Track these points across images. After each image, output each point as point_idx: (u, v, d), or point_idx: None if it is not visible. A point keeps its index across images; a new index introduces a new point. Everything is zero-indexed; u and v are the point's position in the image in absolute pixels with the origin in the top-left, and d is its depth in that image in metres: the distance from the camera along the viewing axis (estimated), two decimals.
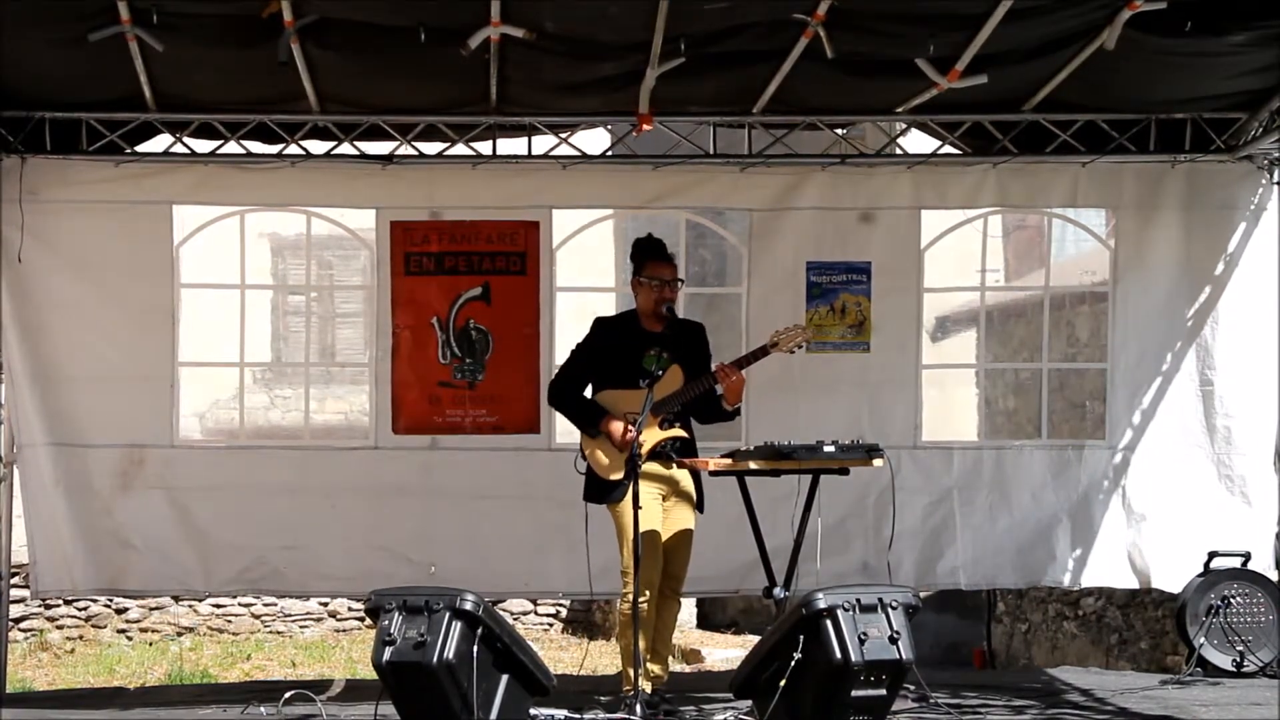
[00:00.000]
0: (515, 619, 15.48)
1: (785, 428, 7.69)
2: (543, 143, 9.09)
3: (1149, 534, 9.12)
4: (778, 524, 7.34)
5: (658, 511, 7.18)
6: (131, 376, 8.94)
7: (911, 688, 7.06)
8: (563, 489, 7.65)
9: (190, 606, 15.42)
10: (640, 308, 7.40)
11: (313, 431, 10.74)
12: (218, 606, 15.51)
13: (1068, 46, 7.82)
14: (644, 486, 6.95)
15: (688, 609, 15.10)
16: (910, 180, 9.20)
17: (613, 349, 7.37)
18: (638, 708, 6.84)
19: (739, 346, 8.40)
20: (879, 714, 6.20)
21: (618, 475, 7.13)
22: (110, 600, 15.11)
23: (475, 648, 6.35)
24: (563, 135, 9.04)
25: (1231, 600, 8.45)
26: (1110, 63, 7.77)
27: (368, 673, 7.48)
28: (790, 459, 6.97)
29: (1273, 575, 8.67)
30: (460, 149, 9.00)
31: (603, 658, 12.97)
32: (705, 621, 15.70)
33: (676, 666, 11.96)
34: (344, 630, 15.85)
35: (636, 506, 6.75)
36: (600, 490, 7.25)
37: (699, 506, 7.37)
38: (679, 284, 7.50)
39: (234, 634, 15.59)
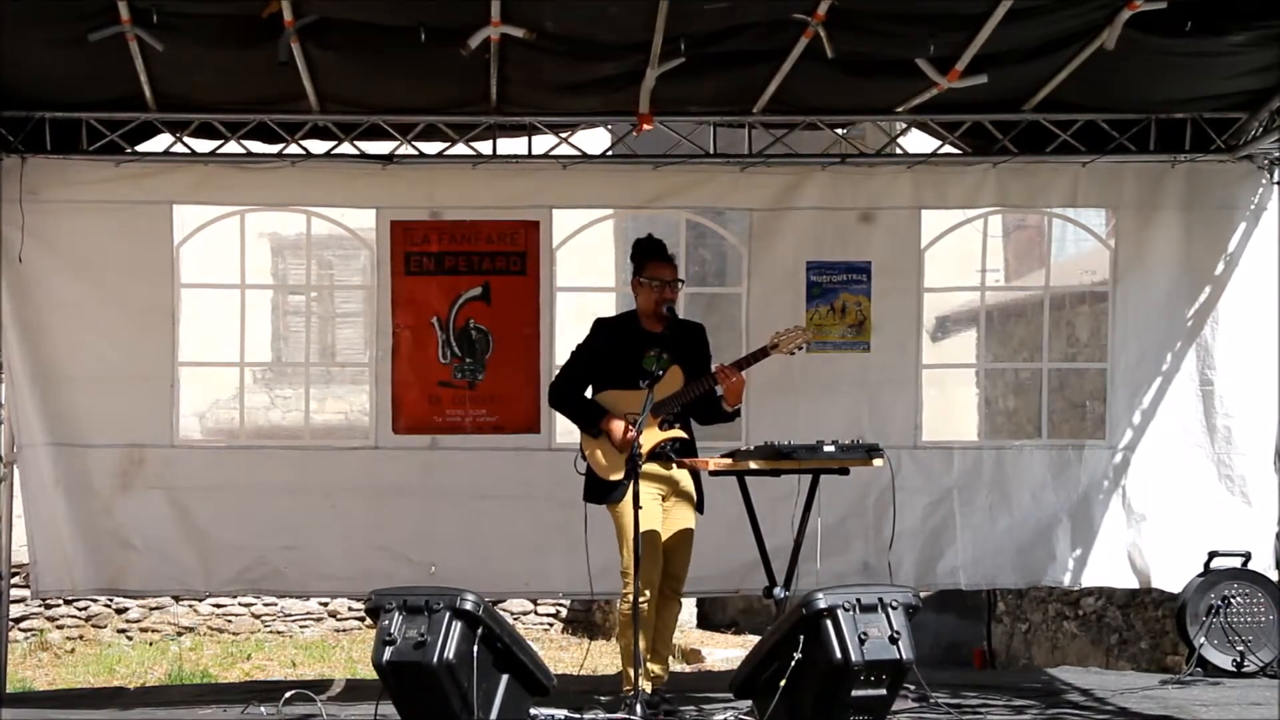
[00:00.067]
0: (515, 619, 15.48)
1: (785, 428, 7.69)
2: (543, 143, 9.09)
3: (1149, 534, 9.12)
4: (778, 524, 7.34)
5: (658, 512, 7.18)
6: (131, 376, 8.94)
7: (911, 688, 7.06)
8: (563, 489, 7.65)
9: (190, 606, 15.43)
10: (640, 308, 7.40)
11: (313, 431, 10.74)
12: (218, 606, 15.52)
13: (1068, 46, 7.82)
14: (644, 487, 6.95)
15: (688, 609, 15.10)
16: (910, 180, 9.20)
17: (613, 350, 7.36)
18: (638, 708, 6.84)
19: (739, 347, 8.40)
20: (879, 714, 6.20)
21: (618, 475, 7.13)
22: (110, 600, 15.12)
23: (475, 648, 6.35)
24: (563, 135, 9.04)
25: (1232, 600, 8.45)
26: (1110, 63, 7.77)
27: (368, 673, 7.48)
28: (790, 459, 6.97)
29: (1273, 575, 8.67)
30: (460, 149, 9.00)
31: (603, 658, 12.97)
32: (705, 621, 15.71)
33: (676, 666, 11.96)
34: (344, 630, 15.85)
35: (637, 506, 6.75)
36: (600, 490, 7.25)
37: (699, 507, 7.37)
38: (679, 284, 7.50)
39: (234, 634, 15.59)
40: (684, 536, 7.32)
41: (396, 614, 6.37)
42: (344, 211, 9.42)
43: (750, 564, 7.55)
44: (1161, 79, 8.35)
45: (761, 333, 7.49)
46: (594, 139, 9.53)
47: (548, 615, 16.18)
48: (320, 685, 8.50)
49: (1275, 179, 9.01)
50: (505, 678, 6.53)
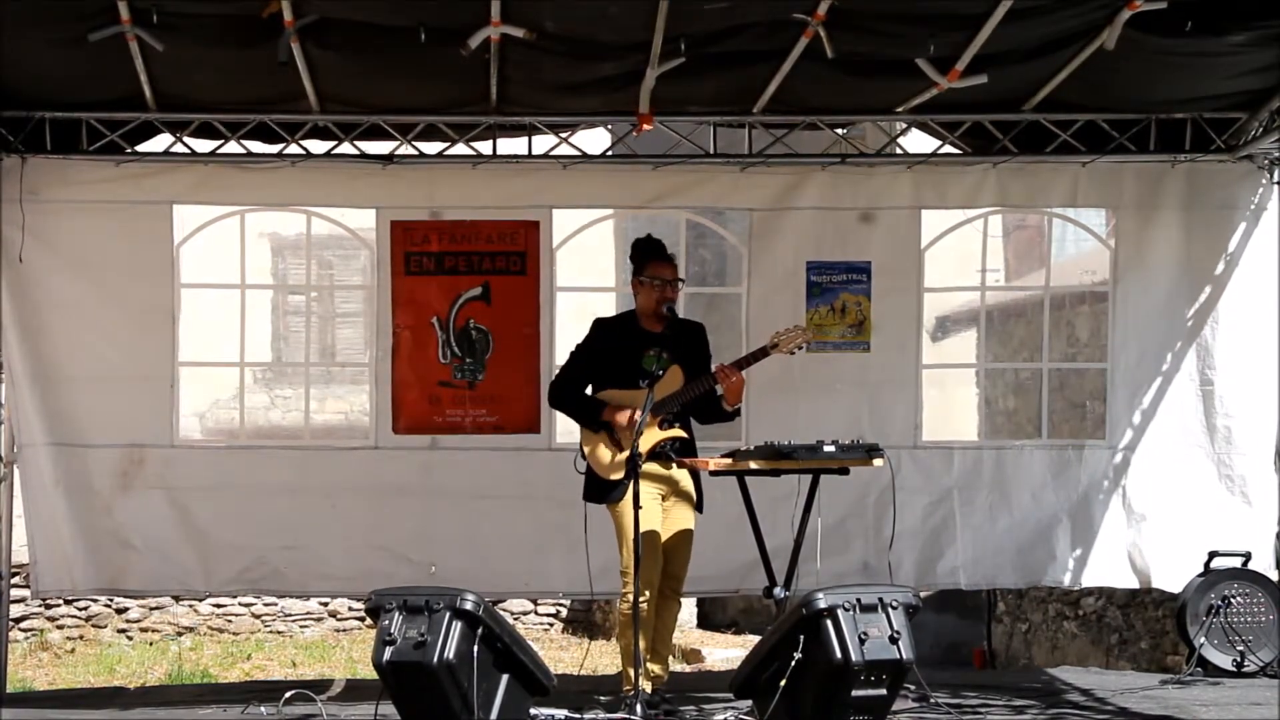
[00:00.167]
0: (515, 619, 15.48)
1: (785, 428, 7.69)
2: (543, 142, 9.09)
3: (1149, 534, 9.12)
4: (778, 524, 7.34)
5: (657, 511, 7.18)
6: (131, 376, 8.94)
7: (912, 688, 7.06)
8: (563, 489, 7.64)
9: (190, 606, 15.43)
10: (640, 308, 7.40)
11: (313, 431, 10.74)
12: (218, 606, 15.52)
13: (1068, 46, 7.82)
14: (644, 486, 6.95)
15: (688, 609, 15.10)
16: (910, 180, 9.20)
17: (612, 349, 7.36)
18: (638, 708, 6.84)
19: (739, 346, 8.40)
20: (879, 714, 6.20)
21: (618, 475, 7.13)
22: (110, 600, 15.12)
23: (475, 647, 6.35)
24: (563, 135, 9.04)
25: (1232, 600, 8.45)
26: (1110, 63, 7.77)
27: (368, 672, 7.48)
28: (790, 459, 6.97)
29: (1273, 575, 8.67)
30: (460, 149, 9.00)
31: (603, 658, 12.97)
32: (705, 621, 15.71)
33: (677, 666, 11.97)
34: (344, 630, 15.85)
35: (637, 507, 6.75)
36: (600, 490, 7.25)
37: (698, 506, 7.37)
38: (680, 284, 7.50)
39: (234, 634, 15.59)
40: (683, 537, 7.32)
41: (397, 614, 6.37)
42: (344, 211, 9.42)
43: (750, 564, 7.55)
44: (1161, 79, 8.35)
45: (761, 333, 7.50)
46: (594, 139, 9.53)
47: (548, 615, 16.18)
48: (320, 685, 8.49)
49: (1275, 179, 9.01)
50: (505, 678, 6.53)
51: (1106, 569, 9.23)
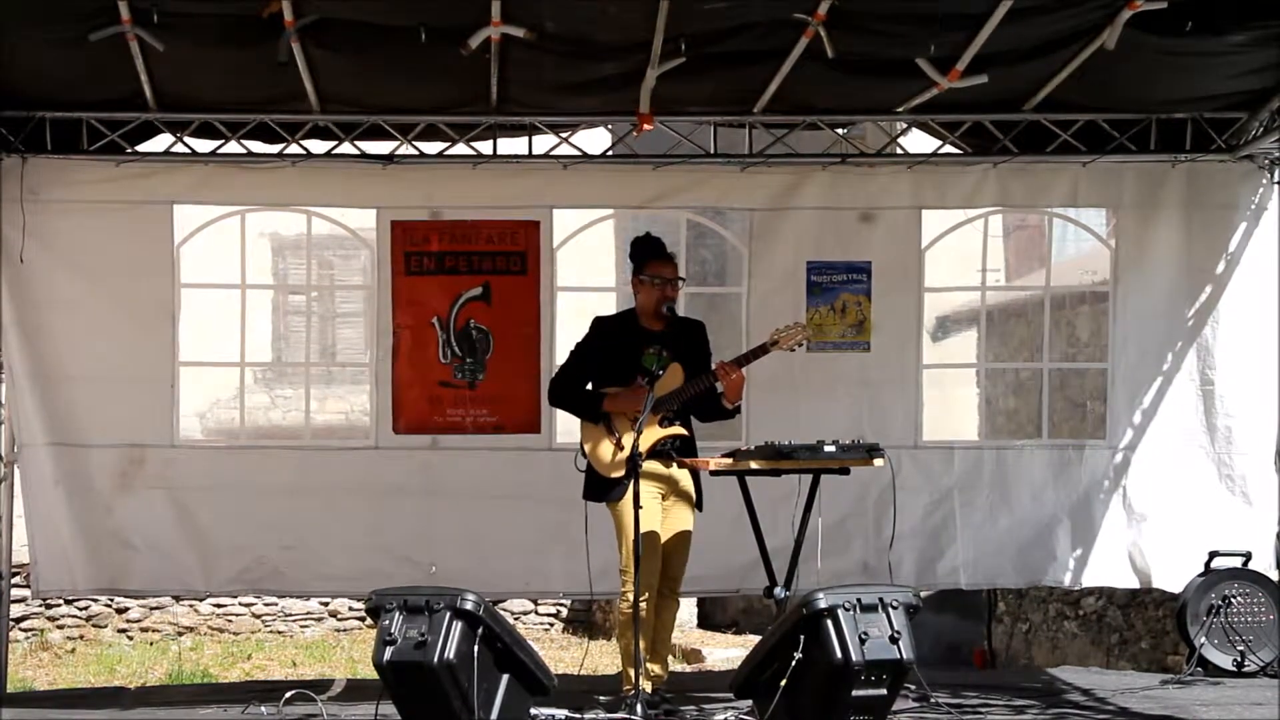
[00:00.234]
0: (515, 619, 15.48)
1: (785, 427, 7.68)
2: (543, 142, 9.09)
3: (1150, 533, 9.12)
4: (778, 524, 7.34)
5: (657, 511, 7.18)
6: (132, 376, 8.94)
7: (912, 688, 7.06)
8: (563, 489, 7.64)
9: (191, 606, 15.42)
10: (640, 306, 7.40)
11: (313, 431, 10.73)
12: (218, 606, 15.51)
13: (1068, 46, 7.82)
14: (644, 486, 6.95)
15: (688, 609, 15.10)
16: (910, 180, 9.20)
17: (612, 348, 7.36)
18: (638, 707, 6.84)
19: (739, 346, 8.38)
20: (879, 714, 6.20)
21: (618, 473, 7.13)
22: (111, 600, 15.11)
23: (476, 647, 6.35)
24: (563, 135, 9.04)
25: (1232, 600, 8.45)
26: (1110, 63, 7.77)
27: (368, 672, 7.48)
28: (791, 459, 6.97)
29: (1273, 575, 8.67)
30: (460, 149, 9.00)
31: (603, 658, 12.97)
32: (706, 621, 15.70)
33: (677, 666, 11.97)
34: (345, 630, 15.84)
35: (637, 507, 6.75)
36: (600, 488, 7.25)
37: (698, 505, 7.37)
38: (680, 283, 7.50)
39: (234, 634, 15.59)
40: (682, 538, 7.32)
41: (397, 614, 6.37)
42: (344, 211, 9.42)
43: (750, 564, 7.55)
44: (1161, 79, 8.35)
45: (762, 332, 7.49)
46: (594, 139, 9.53)
47: (548, 615, 16.18)
48: (321, 685, 8.49)
49: (1275, 179, 9.01)
50: (506, 677, 6.53)
51: (1107, 569, 9.23)
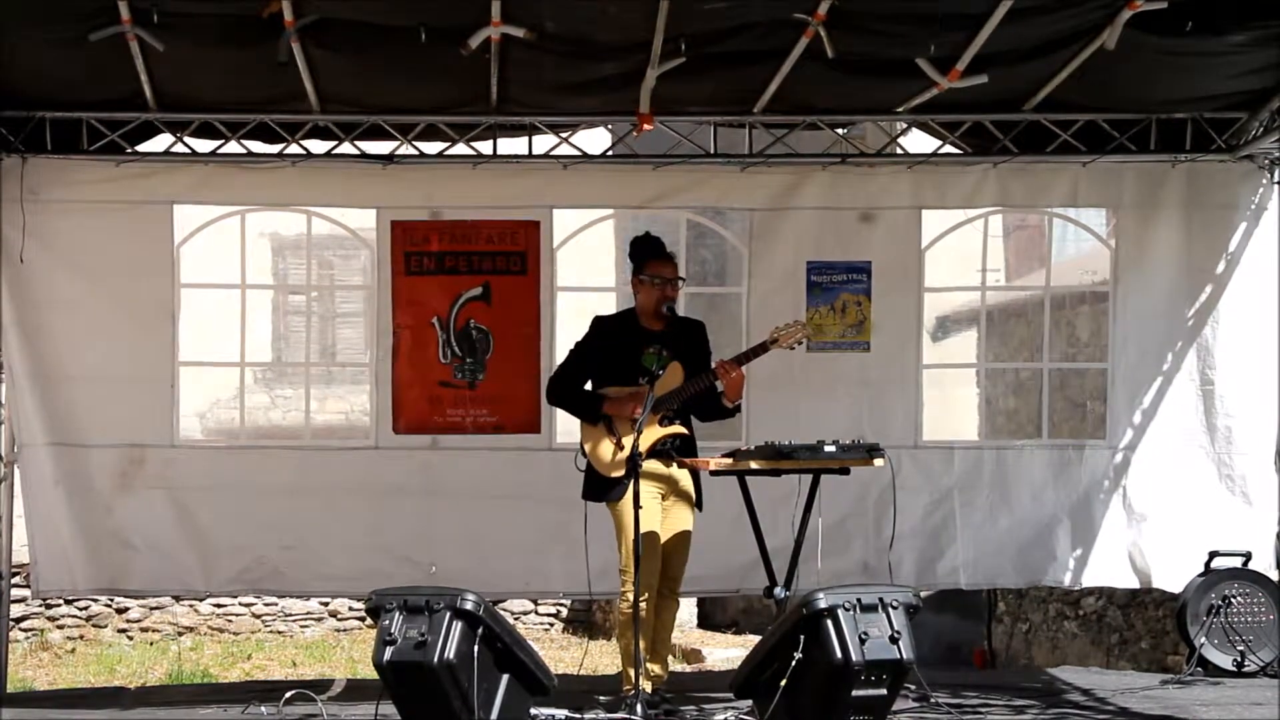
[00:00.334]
0: (516, 619, 15.48)
1: (785, 427, 7.68)
2: (543, 142, 9.09)
3: (1150, 533, 9.12)
4: (778, 524, 7.34)
5: (657, 511, 7.18)
6: (132, 376, 8.94)
7: (912, 688, 7.06)
8: (563, 489, 7.64)
9: (191, 606, 15.42)
10: (640, 306, 7.40)
11: (313, 431, 10.73)
12: (218, 606, 15.51)
13: (1068, 46, 7.82)
14: (644, 486, 6.95)
15: (688, 609, 15.10)
16: (910, 180, 9.20)
17: (612, 348, 7.37)
18: (638, 707, 6.84)
19: (739, 346, 8.35)
20: (879, 714, 6.20)
21: (618, 473, 7.13)
22: (111, 600, 15.11)
23: (476, 647, 6.35)
24: (563, 135, 9.04)
25: (1232, 600, 8.45)
26: (1110, 63, 7.77)
27: (368, 672, 7.48)
28: (791, 459, 6.97)
29: (1273, 575, 8.67)
30: (460, 149, 9.00)
31: (603, 658, 12.97)
32: (706, 621, 15.69)
33: (677, 666, 11.97)
34: (345, 630, 15.84)
35: (637, 507, 6.75)
36: (600, 488, 7.25)
37: (698, 505, 7.37)
38: (680, 282, 7.50)
39: (234, 634, 15.59)
40: (682, 538, 7.32)
41: (397, 614, 6.37)
42: (344, 211, 9.42)
43: (750, 564, 7.55)
44: (1161, 79, 8.35)
45: (762, 333, 7.49)
46: (594, 139, 9.53)
47: (548, 615, 16.18)
48: (321, 685, 8.49)
49: (1275, 179, 9.01)
50: (506, 677, 6.53)
51: (1107, 569, 9.23)
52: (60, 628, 15.19)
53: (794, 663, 6.13)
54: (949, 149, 9.29)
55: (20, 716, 7.85)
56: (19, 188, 8.72)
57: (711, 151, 9.11)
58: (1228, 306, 9.09)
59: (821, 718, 6.15)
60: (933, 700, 7.26)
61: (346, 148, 8.93)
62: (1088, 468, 9.21)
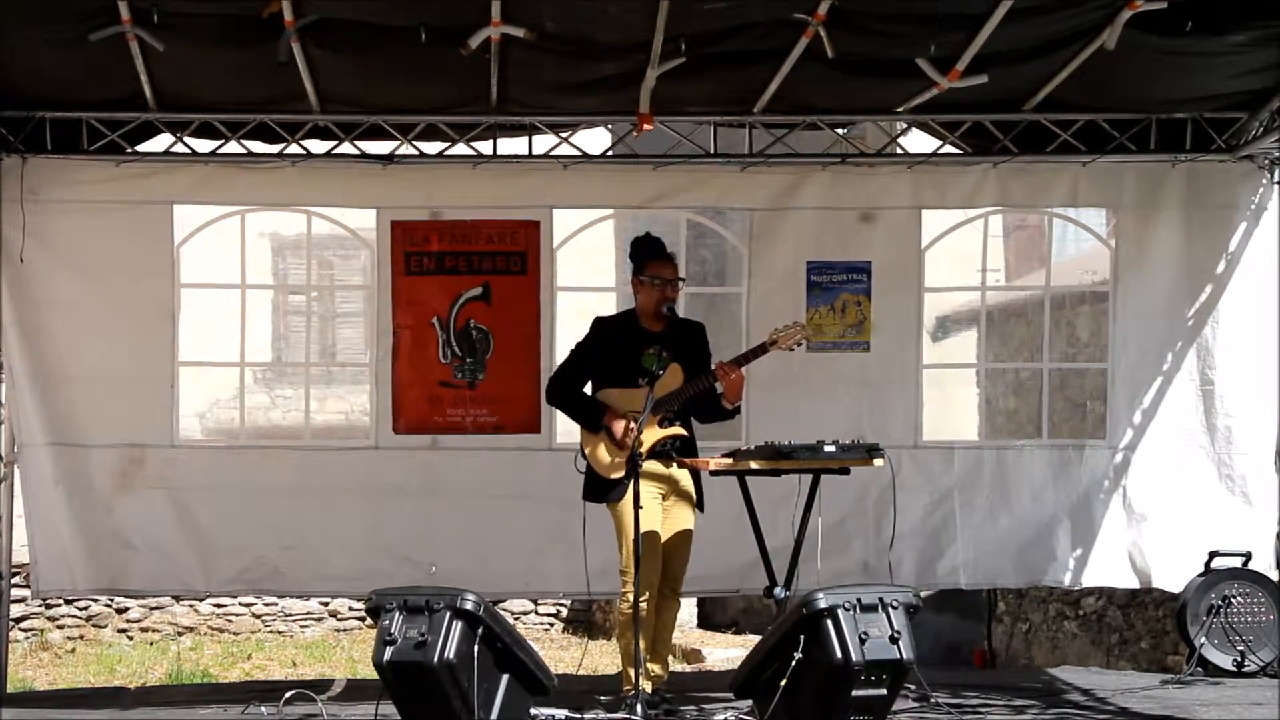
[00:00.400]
0: (516, 619, 15.48)
1: (785, 427, 7.68)
2: (543, 142, 9.09)
3: (1150, 533, 9.12)
4: (778, 524, 7.34)
5: (657, 511, 7.18)
6: (132, 376, 8.94)
7: (912, 688, 7.06)
8: (563, 489, 7.64)
9: (191, 606, 15.42)
10: (640, 307, 7.40)
11: (313, 431, 10.73)
12: (218, 606, 15.51)
13: (1068, 46, 7.82)
14: (644, 486, 6.95)
15: (688, 609, 15.09)
16: (910, 180, 9.20)
17: (612, 348, 7.36)
18: (638, 707, 6.84)
19: (739, 346, 8.38)
20: (879, 714, 6.20)
21: (618, 474, 7.13)
22: (111, 600, 15.11)
23: (476, 647, 6.35)
24: (563, 135, 9.04)
25: (1232, 600, 8.45)
26: (1110, 63, 7.77)
27: (368, 672, 7.48)
28: (791, 459, 6.97)
29: (1273, 575, 8.67)
30: (460, 149, 9.00)
31: (603, 658, 12.97)
32: (706, 621, 15.70)
33: (677, 666, 11.96)
34: (345, 630, 15.84)
35: (637, 507, 6.75)
36: (600, 489, 7.25)
37: (699, 506, 7.37)
38: (680, 283, 7.50)
39: (234, 634, 15.59)
40: (683, 537, 7.32)
41: (397, 614, 6.37)
42: (344, 211, 9.42)
43: (750, 564, 7.55)
44: (1161, 79, 8.35)
45: (761, 332, 7.50)
46: (594, 139, 9.53)
47: (548, 615, 16.18)
48: (321, 685, 8.49)
49: (1275, 179, 9.01)
50: (506, 677, 6.53)
51: (1107, 569, 9.23)
52: (60, 628, 15.20)
53: (794, 663, 6.12)
54: (949, 149, 9.29)
55: (20, 716, 7.86)
56: (19, 188, 8.72)
57: (711, 151, 9.11)
58: (1228, 306, 9.09)
59: (821, 718, 6.15)
60: (933, 700, 7.26)
61: (346, 148, 8.93)
62: (1088, 468, 9.21)
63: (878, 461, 7.08)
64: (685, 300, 8.63)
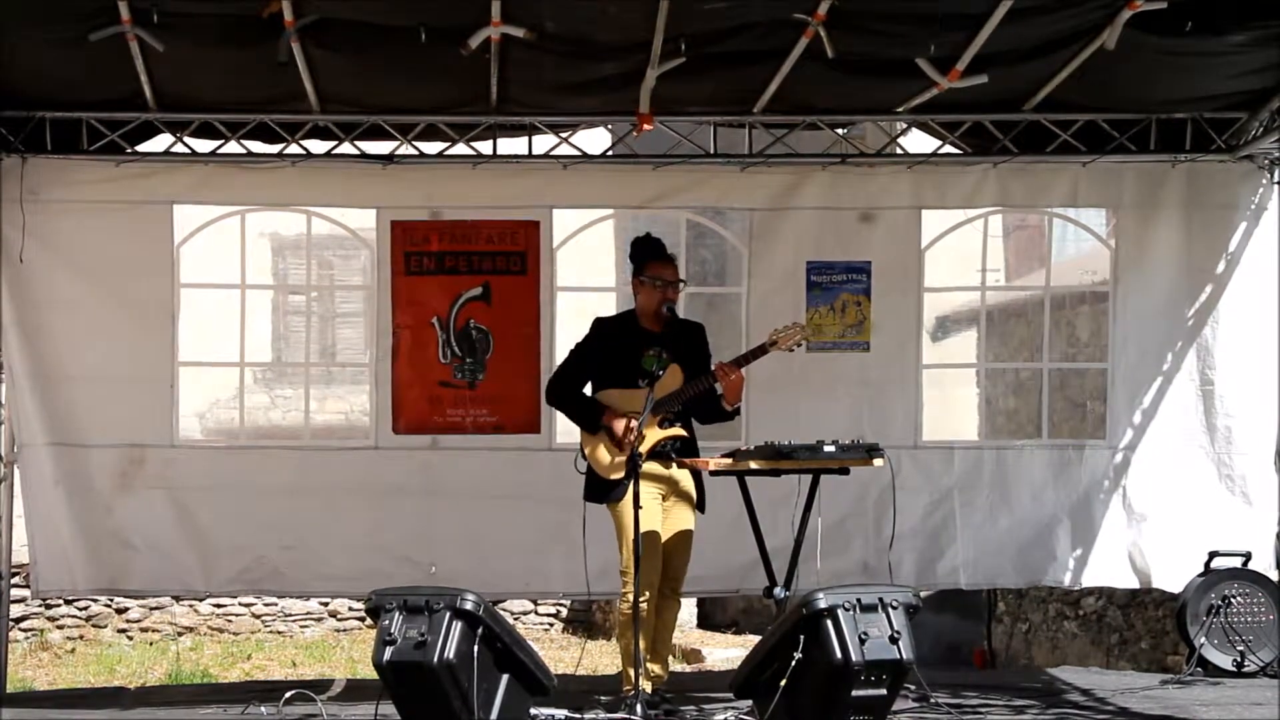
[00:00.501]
0: (515, 619, 15.48)
1: (785, 427, 7.68)
2: (543, 142, 9.09)
3: (1149, 534, 9.12)
4: (778, 524, 7.34)
5: (657, 512, 7.18)
6: (131, 376, 8.94)
7: (912, 688, 7.06)
8: (563, 489, 7.64)
9: (191, 606, 15.42)
10: (640, 307, 7.40)
11: (313, 431, 10.73)
12: (218, 606, 15.51)
13: (1068, 46, 7.82)
14: (644, 486, 6.95)
15: (688, 609, 15.09)
16: (910, 180, 9.20)
17: (612, 349, 7.36)
18: (638, 708, 6.84)
19: (739, 346, 8.38)
20: (879, 714, 6.20)
21: (618, 475, 7.13)
22: (111, 600, 15.11)
23: (476, 647, 6.35)
24: (563, 135, 9.04)
25: (1232, 600, 8.45)
26: (1110, 63, 7.77)
27: (368, 672, 7.48)
28: (790, 459, 6.97)
29: (1273, 575, 8.68)
30: (460, 149, 9.00)
31: (603, 658, 12.97)
32: (705, 621, 15.70)
33: (677, 666, 11.96)
34: (344, 630, 15.85)
35: (637, 507, 6.75)
36: (600, 489, 7.25)
37: (700, 506, 7.37)
38: (681, 285, 7.50)
39: (234, 634, 15.59)
40: (683, 537, 7.32)
41: (397, 614, 6.37)
42: (344, 211, 9.42)
43: (750, 564, 7.55)
44: (1161, 79, 8.35)
45: (761, 332, 7.50)
46: (594, 139, 9.53)
47: (548, 615, 16.18)
48: (321, 685, 8.49)
49: (1275, 179, 9.01)
50: (505, 677, 6.53)
51: (1107, 569, 9.23)
52: (60, 628, 15.20)
53: (794, 663, 6.12)
54: (949, 149, 9.29)
55: (20, 716, 7.86)
56: (19, 188, 8.72)
57: (711, 151, 9.11)
58: (1228, 306, 9.09)
59: (821, 718, 6.15)
60: (933, 700, 7.25)
61: (346, 148, 8.93)
62: (1088, 468, 9.21)
63: (877, 461, 7.08)
64: (685, 300, 8.62)
